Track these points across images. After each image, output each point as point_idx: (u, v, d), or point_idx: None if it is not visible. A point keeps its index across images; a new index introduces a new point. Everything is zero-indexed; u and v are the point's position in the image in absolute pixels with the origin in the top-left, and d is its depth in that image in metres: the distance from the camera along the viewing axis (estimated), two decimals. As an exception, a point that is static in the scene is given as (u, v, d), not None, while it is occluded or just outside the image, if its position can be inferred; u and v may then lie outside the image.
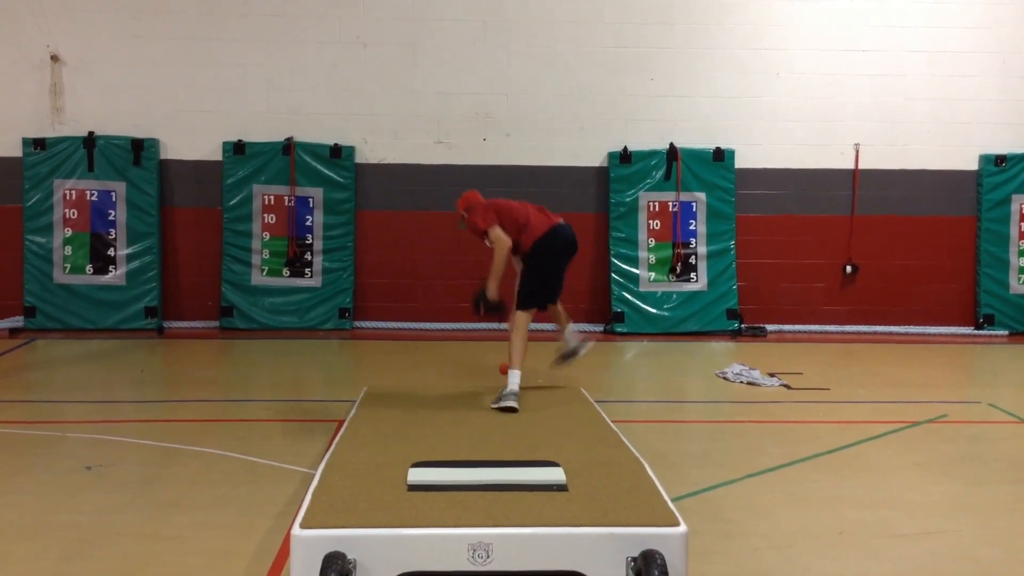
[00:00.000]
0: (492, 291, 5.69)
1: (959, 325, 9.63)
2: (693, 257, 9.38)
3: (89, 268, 9.03)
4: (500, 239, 5.64)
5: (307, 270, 9.23)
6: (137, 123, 9.08)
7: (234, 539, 3.85)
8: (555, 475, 3.92)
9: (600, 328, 9.35)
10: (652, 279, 9.36)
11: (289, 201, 9.17)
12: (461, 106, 9.26)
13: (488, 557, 3.26)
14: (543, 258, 5.79)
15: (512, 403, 5.31)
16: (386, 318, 9.39)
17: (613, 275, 9.31)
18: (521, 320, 5.71)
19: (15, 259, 9.01)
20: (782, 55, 9.35)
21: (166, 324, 9.14)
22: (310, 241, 9.23)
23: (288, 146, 9.11)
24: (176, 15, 9.02)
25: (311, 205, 9.22)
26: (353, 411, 5.30)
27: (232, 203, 9.12)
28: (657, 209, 9.37)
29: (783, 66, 9.36)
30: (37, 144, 8.94)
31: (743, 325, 9.34)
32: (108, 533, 3.90)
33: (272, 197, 9.17)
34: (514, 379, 5.51)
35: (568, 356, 6.36)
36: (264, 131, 9.14)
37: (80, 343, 8.53)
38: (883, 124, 9.46)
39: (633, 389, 7.31)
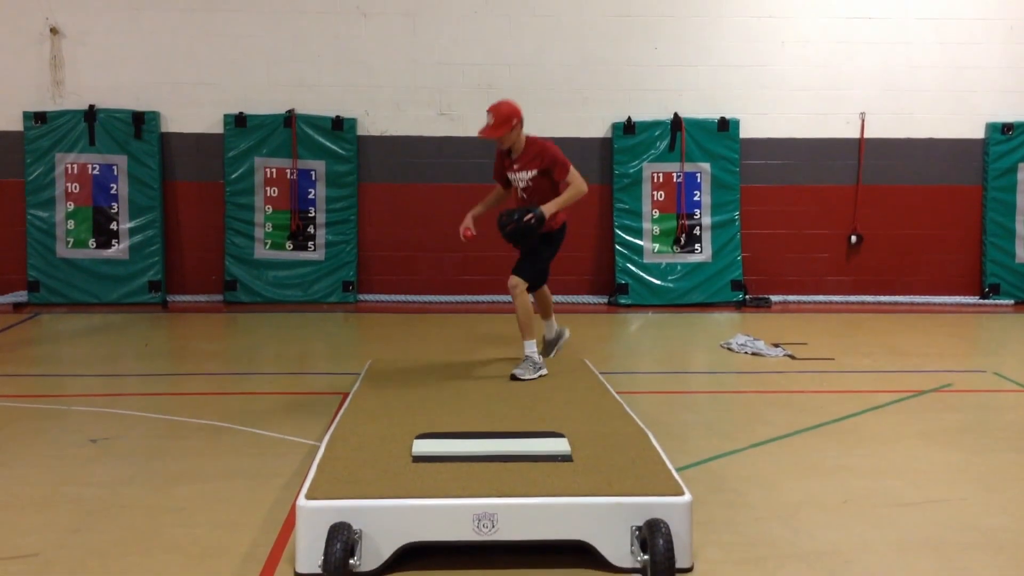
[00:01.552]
0: (551, 212, 5.45)
1: (965, 295, 9.61)
2: (697, 228, 9.35)
3: (92, 242, 9.02)
4: (581, 187, 5.53)
5: (310, 243, 9.22)
6: (138, 96, 9.03)
7: (240, 510, 3.86)
8: (560, 446, 3.92)
9: (604, 300, 9.34)
10: (656, 250, 9.33)
11: (291, 174, 9.14)
12: (463, 77, 9.19)
13: (493, 527, 3.27)
14: (558, 244, 5.81)
15: (543, 371, 5.48)
16: (390, 291, 9.38)
17: (617, 247, 9.28)
18: (525, 291, 5.71)
19: (18, 233, 9.00)
20: (788, 22, 9.26)
21: (170, 298, 9.15)
22: (313, 214, 9.21)
23: (289, 118, 9.06)
24: (175, -14, 8.95)
25: (313, 178, 9.18)
26: (357, 384, 5.31)
27: (234, 176, 9.09)
28: (661, 180, 9.32)
29: (789, 33, 9.27)
30: (38, 118, 8.90)
31: (747, 296, 9.32)
32: (115, 505, 3.92)
33: (274, 170, 9.14)
34: (532, 348, 5.57)
35: (554, 343, 6.43)
36: (265, 103, 9.08)
37: (84, 317, 8.54)
38: (889, 92, 9.38)
39: (637, 360, 7.31)
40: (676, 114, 9.27)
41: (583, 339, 7.56)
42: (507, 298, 9.55)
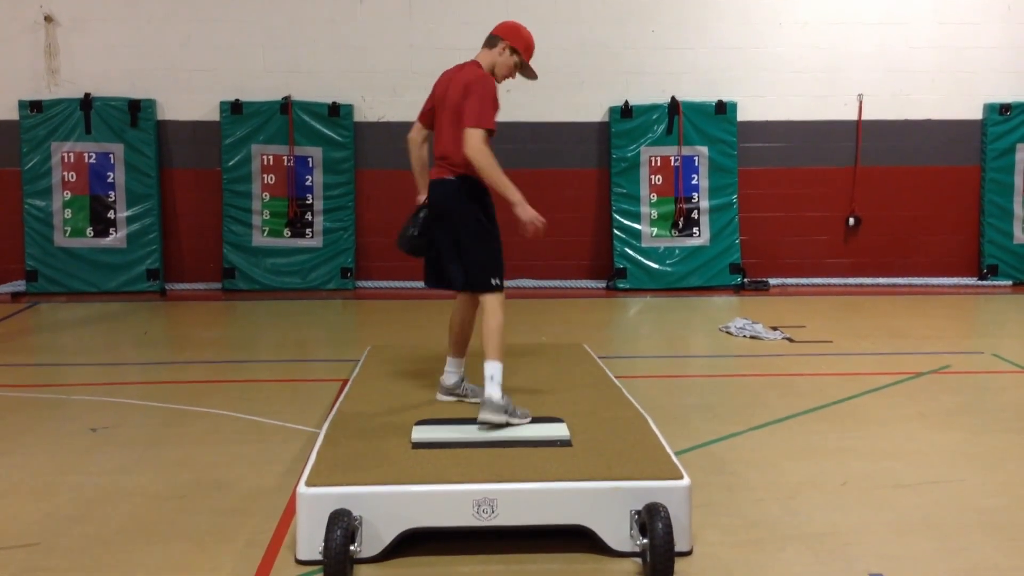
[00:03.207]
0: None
1: (963, 276, 9.61)
2: (695, 212, 9.33)
3: (89, 231, 9.00)
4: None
5: (308, 230, 9.20)
6: (133, 84, 8.99)
7: (241, 498, 3.87)
8: (559, 431, 3.93)
9: (602, 284, 9.34)
10: (654, 235, 9.32)
11: (288, 161, 9.11)
12: (460, 61, 9.12)
13: (493, 512, 3.28)
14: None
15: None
16: (388, 277, 9.37)
17: (615, 231, 9.26)
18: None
19: (15, 223, 8.98)
20: (786, 4, 9.23)
21: (168, 286, 9.14)
22: (310, 201, 9.19)
23: (286, 105, 9.03)
24: (169, -27, 8.90)
25: (310, 165, 9.16)
26: (357, 370, 5.31)
27: (231, 163, 9.06)
28: (659, 164, 9.30)
29: (786, 15, 9.24)
30: (33, 106, 8.87)
31: (746, 279, 9.32)
32: (116, 493, 3.92)
33: (271, 157, 9.12)
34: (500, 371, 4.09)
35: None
36: (261, 90, 9.05)
37: (82, 306, 8.53)
38: (887, 74, 9.35)
39: (636, 345, 7.32)
40: (673, 97, 9.24)
41: (582, 324, 7.57)
42: (508, 282, 9.47)
